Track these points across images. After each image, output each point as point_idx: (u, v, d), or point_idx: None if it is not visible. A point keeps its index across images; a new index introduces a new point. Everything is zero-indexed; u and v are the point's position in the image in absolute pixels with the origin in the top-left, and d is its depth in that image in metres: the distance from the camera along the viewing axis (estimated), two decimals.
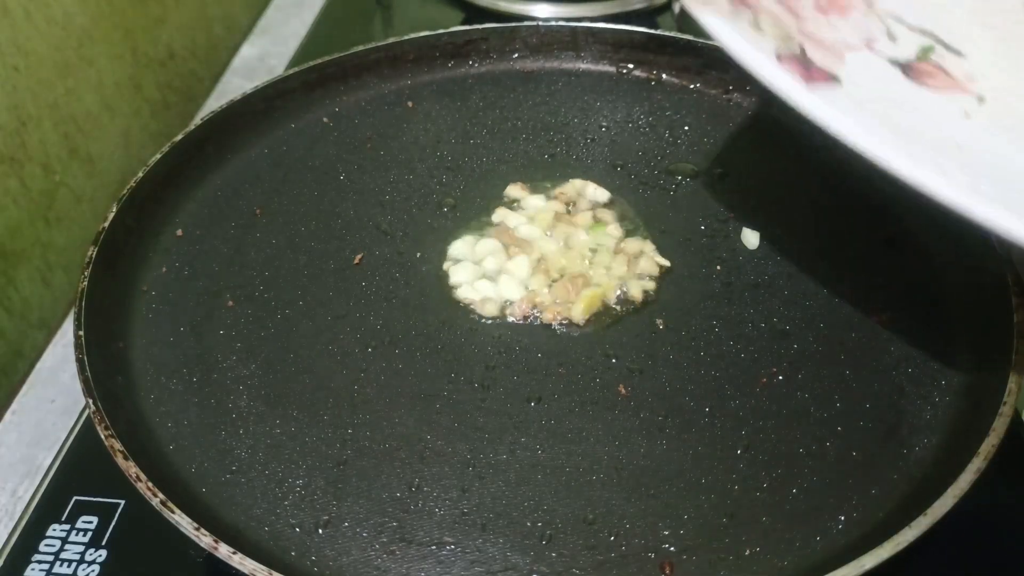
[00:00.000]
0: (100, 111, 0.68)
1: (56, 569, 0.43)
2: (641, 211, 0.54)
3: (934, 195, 0.33)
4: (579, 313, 0.47)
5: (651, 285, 0.49)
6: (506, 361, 0.46)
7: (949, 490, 0.35)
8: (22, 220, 0.60)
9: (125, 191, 0.51)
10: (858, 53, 0.41)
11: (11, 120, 0.59)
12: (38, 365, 0.56)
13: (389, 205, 0.55)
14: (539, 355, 0.46)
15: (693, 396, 0.43)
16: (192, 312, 0.48)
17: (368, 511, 0.39)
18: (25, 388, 0.54)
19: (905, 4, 0.44)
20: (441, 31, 0.64)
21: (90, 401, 0.40)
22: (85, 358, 0.42)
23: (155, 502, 0.36)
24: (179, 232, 0.53)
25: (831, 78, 0.38)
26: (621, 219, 0.53)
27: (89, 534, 0.44)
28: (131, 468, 0.37)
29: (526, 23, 0.65)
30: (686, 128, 0.60)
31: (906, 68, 0.41)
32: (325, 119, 0.61)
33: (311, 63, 0.61)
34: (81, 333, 0.43)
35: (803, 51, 0.39)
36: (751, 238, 0.51)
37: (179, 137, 0.55)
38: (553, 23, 0.64)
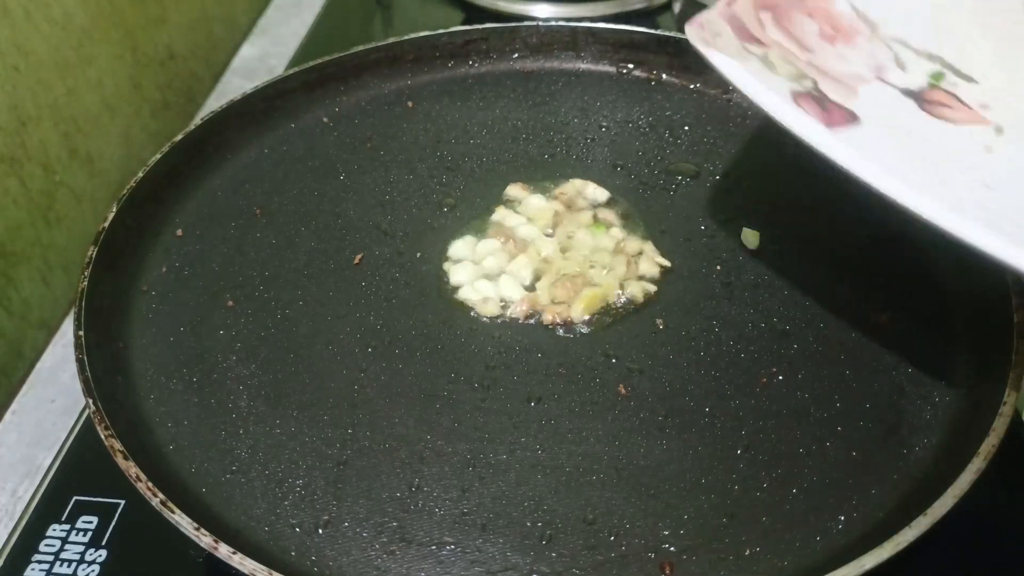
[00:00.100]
0: (100, 111, 0.68)
1: (56, 569, 0.43)
2: (641, 211, 0.54)
3: (971, 243, 0.32)
4: (579, 313, 0.47)
5: (651, 285, 0.49)
6: (506, 361, 0.46)
7: (949, 490, 0.35)
8: (22, 220, 0.60)
9: (125, 191, 0.51)
10: (870, 85, 0.40)
11: (11, 120, 0.59)
12: (38, 365, 0.56)
13: (389, 205, 0.55)
14: (539, 355, 0.46)
15: (693, 396, 0.43)
16: (192, 312, 0.48)
17: (368, 511, 0.39)
18: (25, 388, 0.54)
19: (910, 28, 0.44)
20: (441, 31, 0.64)
21: (90, 401, 0.40)
22: (85, 358, 0.42)
23: (155, 502, 0.36)
24: (179, 232, 0.53)
25: (850, 116, 0.37)
26: (621, 219, 0.53)
27: (89, 534, 0.44)
28: (131, 468, 0.37)
29: (526, 23, 0.65)
30: (686, 128, 0.60)
31: (920, 99, 0.40)
32: (325, 119, 0.61)
33: (311, 63, 0.61)
34: (81, 333, 0.43)
35: (817, 87, 0.38)
36: (751, 238, 0.51)
37: (179, 137, 0.55)
38: (553, 23, 0.64)
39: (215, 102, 0.75)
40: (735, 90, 0.38)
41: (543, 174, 0.57)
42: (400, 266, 0.51)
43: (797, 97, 0.37)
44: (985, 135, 0.40)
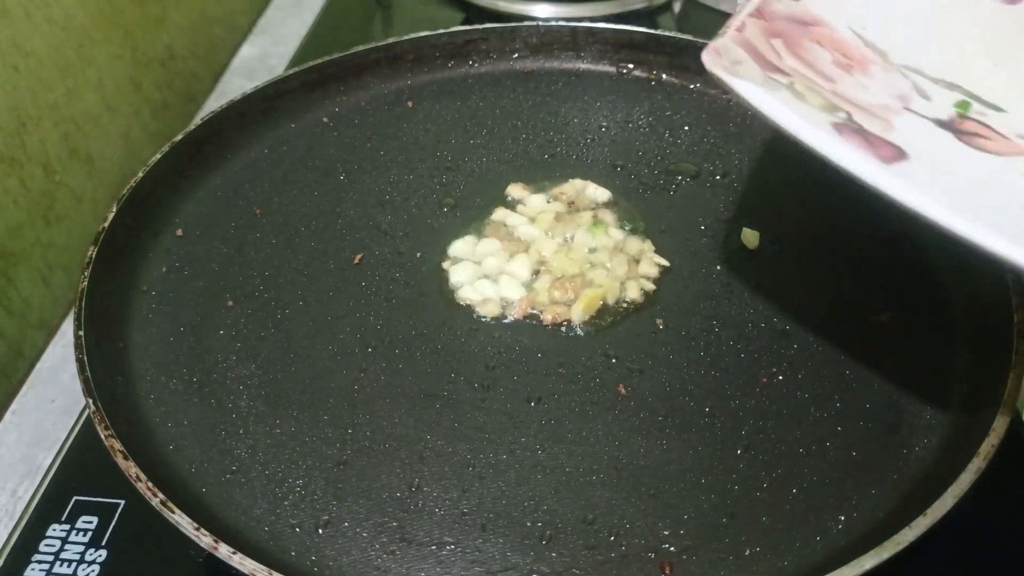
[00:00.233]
0: (100, 111, 0.68)
1: (56, 569, 0.43)
2: (641, 211, 0.54)
3: None
4: (579, 313, 0.47)
5: (651, 285, 0.49)
6: (506, 361, 0.46)
7: (949, 490, 0.35)
8: (22, 220, 0.60)
9: (125, 191, 0.51)
10: (901, 117, 0.39)
11: (11, 120, 0.59)
12: (38, 365, 0.56)
13: (389, 205, 0.55)
14: (539, 355, 0.46)
15: (693, 396, 0.43)
16: (192, 312, 0.48)
17: (368, 511, 0.39)
18: (25, 388, 0.54)
19: (918, 56, 0.43)
20: (441, 31, 0.64)
21: (90, 401, 0.40)
22: (85, 358, 0.42)
23: (155, 502, 0.36)
24: (179, 232, 0.53)
25: (898, 152, 0.36)
26: (621, 219, 0.53)
27: (89, 534, 0.44)
28: (131, 468, 0.37)
29: (526, 23, 0.65)
30: (686, 128, 0.60)
31: (955, 130, 0.39)
32: (325, 119, 0.61)
33: (311, 63, 0.61)
34: (81, 333, 0.43)
35: (851, 118, 0.37)
36: (751, 238, 0.51)
37: (179, 137, 0.55)
38: (553, 23, 0.64)
39: (215, 102, 0.75)
40: (766, 120, 0.35)
41: (543, 174, 0.57)
42: (400, 266, 0.51)
43: (839, 130, 0.35)
44: None
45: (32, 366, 0.56)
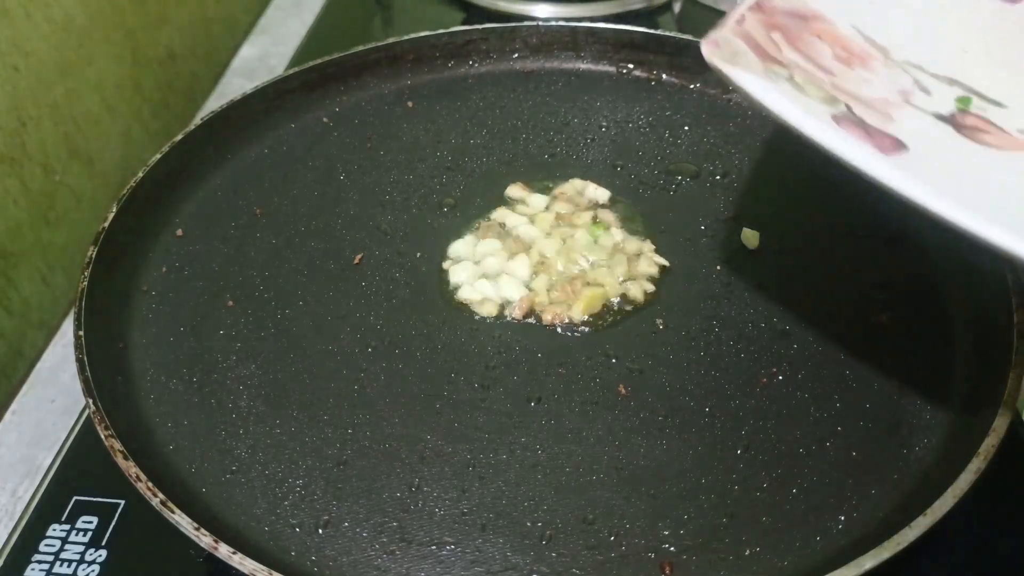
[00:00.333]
0: (100, 111, 0.68)
1: (56, 569, 0.43)
2: (641, 211, 0.54)
3: None
4: (579, 313, 0.47)
5: (651, 285, 0.49)
6: (506, 361, 0.46)
7: (949, 490, 0.35)
8: (22, 220, 0.60)
9: (125, 191, 0.51)
10: (902, 110, 0.39)
11: (11, 120, 0.59)
12: (38, 365, 0.56)
13: (389, 205, 0.55)
14: (539, 355, 0.46)
15: (693, 396, 0.43)
16: (192, 312, 0.48)
17: (368, 511, 0.39)
18: (25, 388, 0.54)
19: (920, 52, 0.43)
20: (441, 31, 0.64)
21: (90, 401, 0.40)
22: (85, 358, 0.42)
23: (155, 502, 0.36)
24: (179, 232, 0.53)
25: (897, 144, 0.36)
26: (621, 219, 0.53)
27: (89, 534, 0.44)
28: (131, 468, 0.37)
29: (526, 23, 0.65)
30: (686, 128, 0.60)
31: (955, 124, 0.39)
32: (325, 119, 0.61)
33: (311, 63, 0.61)
34: (81, 333, 0.43)
35: (851, 111, 0.37)
36: (751, 238, 0.51)
37: (179, 137, 0.55)
38: (553, 23, 0.65)
39: (215, 102, 0.75)
40: (762, 110, 0.35)
41: (543, 174, 0.57)
42: (400, 266, 0.51)
43: (838, 121, 0.35)
44: None
45: (32, 366, 0.56)
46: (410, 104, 0.62)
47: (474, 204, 0.55)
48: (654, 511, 0.39)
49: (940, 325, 0.46)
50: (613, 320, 0.47)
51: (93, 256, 0.47)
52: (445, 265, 0.51)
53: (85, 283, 0.45)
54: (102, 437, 0.38)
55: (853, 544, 0.37)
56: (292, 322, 0.48)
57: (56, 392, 0.54)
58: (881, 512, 0.38)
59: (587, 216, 0.53)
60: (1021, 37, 0.45)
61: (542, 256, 0.50)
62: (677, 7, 0.83)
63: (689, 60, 0.62)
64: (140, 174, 0.52)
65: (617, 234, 0.52)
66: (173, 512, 0.36)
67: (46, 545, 0.44)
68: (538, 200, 0.54)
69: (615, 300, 0.48)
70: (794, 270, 0.50)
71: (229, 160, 0.57)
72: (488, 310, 0.48)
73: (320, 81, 0.61)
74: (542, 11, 0.79)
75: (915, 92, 0.40)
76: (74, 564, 0.43)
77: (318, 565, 0.37)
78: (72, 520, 0.45)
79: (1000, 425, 0.38)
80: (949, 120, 0.40)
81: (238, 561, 0.34)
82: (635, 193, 0.55)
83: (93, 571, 0.43)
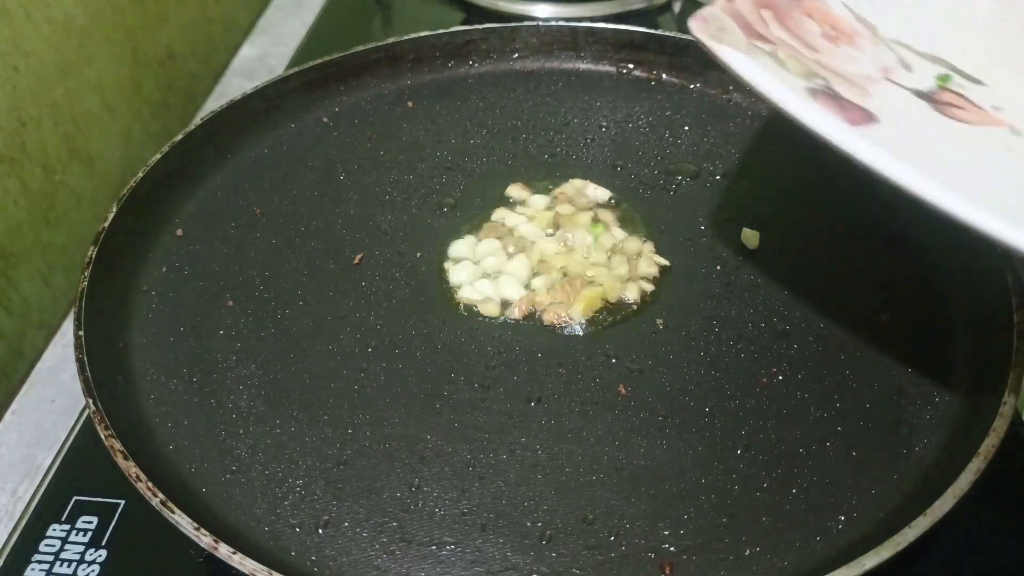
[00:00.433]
0: (100, 111, 0.68)
1: (56, 569, 0.43)
2: (641, 211, 0.54)
3: (1002, 239, 0.31)
4: (579, 313, 0.47)
5: (651, 285, 0.49)
6: (506, 361, 0.46)
7: (949, 490, 0.35)
8: (22, 220, 0.60)
9: (125, 191, 0.51)
10: (880, 86, 0.40)
11: (11, 120, 0.59)
12: (38, 365, 0.56)
13: (389, 205, 0.55)
14: (539, 355, 0.46)
15: (693, 396, 0.43)
16: (192, 312, 0.48)
17: (368, 511, 0.39)
18: (25, 388, 0.54)
19: (909, 31, 0.44)
20: (441, 31, 0.64)
21: (90, 401, 0.40)
22: (85, 358, 0.42)
23: (155, 502, 0.36)
24: (179, 232, 0.53)
25: (868, 115, 0.37)
26: (621, 219, 0.53)
27: (89, 534, 0.44)
28: (131, 468, 0.37)
29: (526, 23, 0.65)
30: (686, 128, 0.60)
31: (932, 100, 0.40)
32: (325, 119, 0.61)
33: (311, 63, 0.61)
34: (81, 333, 0.43)
35: (829, 85, 0.38)
36: (751, 238, 0.51)
37: (179, 137, 0.55)
38: (553, 23, 0.65)
39: (215, 102, 0.75)
40: (743, 87, 0.37)
41: (543, 174, 0.57)
42: (400, 266, 0.51)
43: (813, 95, 0.36)
44: (1002, 136, 0.40)
45: (32, 366, 0.56)
46: (410, 104, 0.62)
47: (474, 204, 0.55)
48: (654, 511, 0.39)
49: (940, 325, 0.46)
50: (613, 320, 0.47)
51: (93, 256, 0.47)
52: (445, 265, 0.51)
53: (85, 283, 0.45)
54: (102, 437, 0.38)
55: (853, 544, 0.37)
56: (292, 322, 0.48)
57: (56, 392, 0.54)
58: (881, 512, 0.38)
59: (587, 216, 0.53)
60: (1007, 15, 0.46)
61: (542, 256, 0.50)
62: (677, 7, 0.83)
63: (689, 60, 0.62)
64: (140, 174, 0.52)
65: (617, 234, 0.52)
66: (173, 512, 0.36)
67: (46, 545, 0.44)
68: (538, 200, 0.54)
69: (615, 300, 0.48)
70: (794, 270, 0.50)
71: (229, 160, 0.57)
72: (488, 310, 0.48)
73: (320, 81, 0.61)
74: (542, 11, 0.79)
75: (897, 69, 0.41)
76: (74, 564, 0.43)
77: (318, 565, 0.37)
78: (72, 520, 0.45)
79: (1000, 425, 0.38)
80: (927, 96, 0.40)
81: (238, 561, 0.34)
82: (635, 193, 0.55)
83: (93, 571, 0.43)
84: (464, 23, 0.75)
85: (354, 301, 0.49)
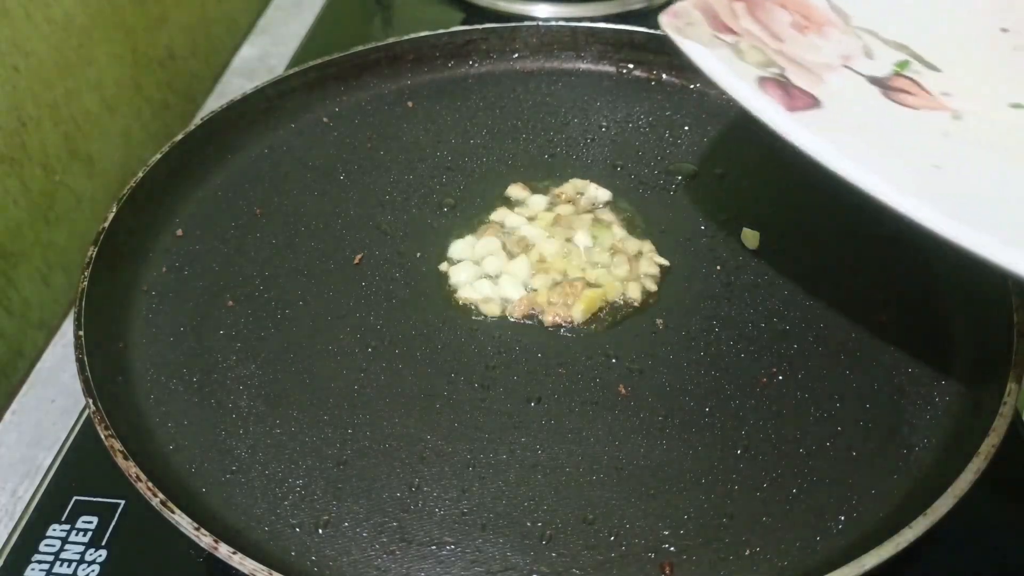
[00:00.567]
0: (100, 111, 0.68)
1: (56, 569, 0.43)
2: (641, 211, 0.54)
3: (909, 215, 0.34)
4: (579, 313, 0.47)
5: (651, 285, 0.49)
6: (506, 361, 0.46)
7: (949, 490, 0.35)
8: (22, 220, 0.60)
9: (125, 191, 0.51)
10: (836, 73, 0.42)
11: (11, 120, 0.59)
12: (38, 365, 0.56)
13: (389, 205, 0.55)
14: (539, 355, 0.46)
15: (693, 396, 0.43)
16: (192, 312, 0.48)
17: (368, 511, 0.39)
18: (25, 388, 0.54)
19: (882, 19, 0.45)
20: (441, 31, 0.64)
21: (90, 401, 0.40)
22: (85, 358, 0.42)
23: (155, 502, 0.36)
24: (179, 232, 0.53)
25: (812, 101, 0.39)
26: (621, 219, 0.53)
27: (89, 534, 0.44)
28: (131, 468, 0.37)
29: (526, 23, 0.65)
30: (686, 128, 0.60)
31: (883, 85, 0.42)
32: (325, 119, 0.61)
33: (311, 63, 0.61)
34: (81, 333, 0.43)
35: (783, 73, 0.40)
36: (751, 238, 0.51)
37: (179, 137, 0.55)
38: (553, 23, 0.65)
39: (215, 102, 0.75)
40: (706, 78, 0.40)
41: (543, 174, 0.57)
42: (400, 266, 0.51)
43: (763, 82, 0.39)
44: (943, 121, 0.41)
45: (32, 366, 0.56)
46: (410, 104, 0.62)
47: (474, 204, 0.55)
48: (654, 511, 0.39)
49: (940, 325, 0.46)
50: (613, 320, 0.47)
51: (93, 256, 0.47)
52: (445, 265, 0.51)
53: (85, 283, 0.45)
54: (102, 437, 0.38)
55: (853, 544, 0.37)
56: (292, 322, 0.48)
57: (56, 392, 0.54)
58: (881, 512, 0.38)
59: (587, 216, 0.53)
60: (964, 4, 0.47)
61: (542, 256, 0.50)
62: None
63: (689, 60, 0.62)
64: (140, 174, 0.52)
65: (617, 234, 0.52)
66: (173, 512, 0.36)
67: (46, 545, 0.44)
68: (538, 200, 0.54)
69: (615, 300, 0.48)
70: (794, 270, 0.50)
71: (229, 160, 0.57)
72: (488, 310, 0.48)
73: (320, 81, 0.61)
74: (542, 11, 0.79)
75: (859, 57, 0.43)
76: (74, 564, 0.43)
77: (318, 565, 0.37)
78: (72, 520, 0.45)
79: (1000, 425, 0.38)
80: (879, 82, 0.42)
81: (238, 561, 0.34)
82: (635, 193, 0.55)
83: (93, 571, 0.43)
84: (464, 23, 0.75)
85: (354, 301, 0.49)
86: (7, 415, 0.53)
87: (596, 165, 0.57)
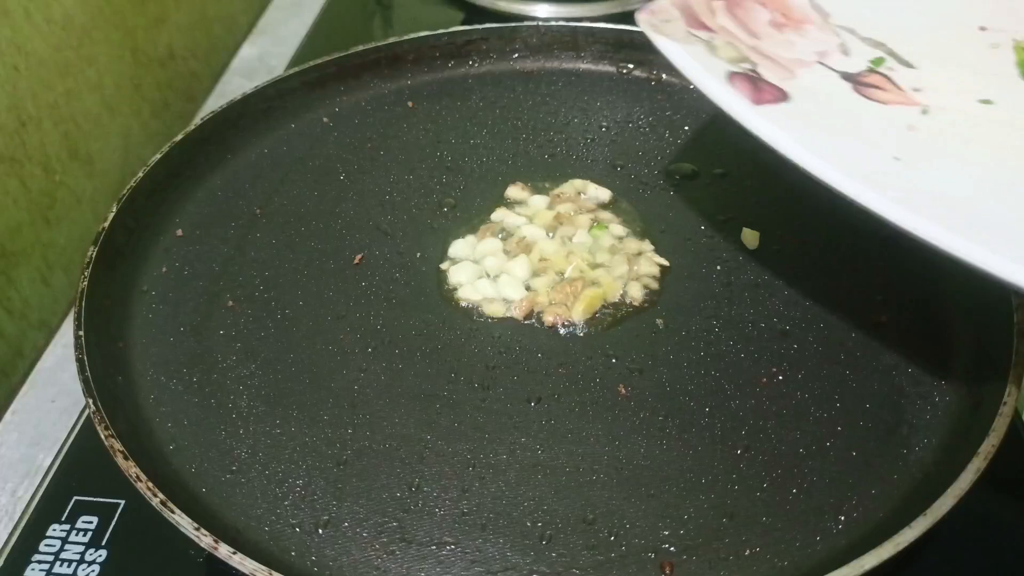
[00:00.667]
0: (100, 111, 0.68)
1: (56, 569, 0.43)
2: (641, 211, 0.54)
3: (868, 207, 0.34)
4: (579, 313, 0.47)
5: (651, 285, 0.49)
6: (506, 361, 0.46)
7: (949, 490, 0.35)
8: (22, 220, 0.60)
9: (125, 191, 0.51)
10: (809, 69, 0.42)
11: (11, 120, 0.59)
12: (38, 365, 0.56)
13: (389, 205, 0.55)
14: (539, 355, 0.46)
15: (693, 396, 0.43)
16: (192, 312, 0.48)
17: (368, 511, 0.39)
18: (25, 388, 0.54)
19: (861, 18, 0.46)
20: (441, 31, 0.64)
21: (90, 401, 0.40)
22: (85, 358, 0.42)
23: (155, 502, 0.36)
24: (179, 232, 0.53)
25: (781, 95, 0.39)
26: (621, 219, 0.53)
27: (89, 534, 0.44)
28: (131, 468, 0.37)
29: (526, 23, 0.65)
30: (686, 128, 0.60)
31: (855, 81, 0.42)
32: (325, 119, 0.61)
33: (311, 63, 0.61)
34: (81, 333, 0.43)
35: (755, 69, 0.40)
36: (751, 238, 0.51)
37: (179, 137, 0.55)
38: (553, 23, 0.64)
39: (215, 102, 0.75)
40: (677, 73, 0.41)
41: (543, 174, 0.57)
42: (400, 266, 0.51)
43: (732, 77, 0.40)
44: (910, 115, 0.42)
45: (32, 366, 0.56)
46: (410, 104, 0.62)
47: (474, 204, 0.55)
48: (654, 511, 0.39)
49: (940, 325, 0.46)
50: (613, 320, 0.47)
51: (93, 256, 0.47)
52: (445, 265, 0.51)
53: (85, 283, 0.45)
54: (102, 437, 0.38)
55: (853, 544, 0.37)
56: (292, 322, 0.48)
57: (56, 392, 0.54)
58: (881, 512, 0.38)
59: (587, 216, 0.53)
60: (954, 2, 0.48)
61: (542, 256, 0.50)
62: None
63: None
64: (140, 174, 0.52)
65: (617, 234, 0.52)
66: (173, 512, 0.36)
67: (46, 545, 0.44)
68: (538, 200, 0.54)
69: (615, 300, 0.48)
70: (794, 270, 0.50)
71: (229, 160, 0.57)
72: (489, 310, 0.48)
73: (320, 81, 0.61)
74: (542, 11, 0.79)
75: (834, 53, 0.44)
76: (74, 564, 0.43)
77: (318, 565, 0.37)
78: (72, 520, 0.45)
79: (1000, 425, 0.38)
80: (852, 78, 0.43)
81: (238, 561, 0.34)
82: (635, 193, 0.55)
83: (93, 571, 0.43)
84: (464, 23, 0.75)
85: (354, 301, 0.49)
86: (7, 415, 0.53)
87: (596, 165, 0.57)
